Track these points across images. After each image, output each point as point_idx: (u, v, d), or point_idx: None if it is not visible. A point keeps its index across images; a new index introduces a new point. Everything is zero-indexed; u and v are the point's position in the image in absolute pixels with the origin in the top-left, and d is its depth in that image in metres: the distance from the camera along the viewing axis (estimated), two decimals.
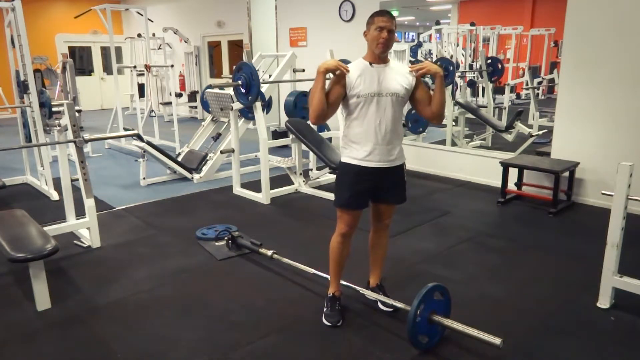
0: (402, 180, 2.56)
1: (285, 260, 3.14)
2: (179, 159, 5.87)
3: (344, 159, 2.49)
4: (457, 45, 6.95)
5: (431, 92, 2.47)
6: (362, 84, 2.35)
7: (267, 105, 5.95)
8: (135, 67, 8.39)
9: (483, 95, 6.86)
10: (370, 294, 2.70)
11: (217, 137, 6.17)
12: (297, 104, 5.71)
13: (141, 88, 9.36)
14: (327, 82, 2.39)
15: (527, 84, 6.50)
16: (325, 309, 2.61)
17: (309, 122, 5.20)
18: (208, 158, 5.78)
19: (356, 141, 2.43)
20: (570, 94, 4.53)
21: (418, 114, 2.55)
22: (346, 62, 2.61)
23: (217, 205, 4.73)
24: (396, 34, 2.43)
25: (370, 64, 2.39)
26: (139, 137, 5.17)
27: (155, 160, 5.52)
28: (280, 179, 5.38)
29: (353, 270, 2.87)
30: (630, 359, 2.31)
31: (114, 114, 7.63)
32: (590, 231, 3.82)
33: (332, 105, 2.38)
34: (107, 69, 12.61)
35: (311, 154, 5.28)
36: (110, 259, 3.48)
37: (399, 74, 2.41)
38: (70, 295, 2.93)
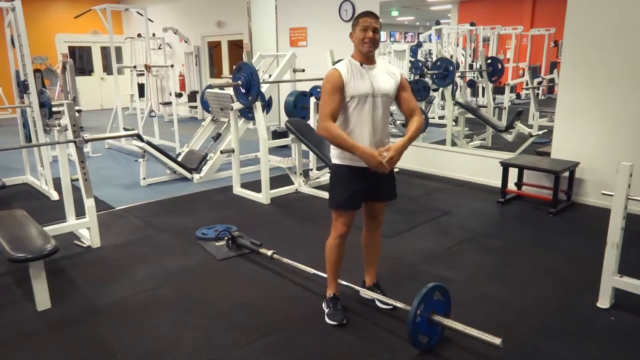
0: (393, 177, 2.61)
1: (285, 260, 3.14)
2: (179, 159, 5.87)
3: (337, 161, 2.50)
4: (457, 45, 6.95)
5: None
6: (355, 84, 2.38)
7: (267, 105, 5.95)
8: (135, 67, 8.39)
9: (483, 95, 6.86)
10: (370, 294, 2.70)
11: (217, 137, 6.17)
12: (297, 104, 5.71)
13: (141, 88, 9.36)
14: (335, 97, 2.36)
15: (527, 84, 6.49)
16: (327, 310, 2.61)
17: (308, 121, 5.23)
18: (208, 158, 5.78)
19: None
20: (570, 94, 4.53)
21: (400, 111, 2.57)
22: None
23: (217, 205, 4.73)
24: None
25: (361, 64, 2.42)
26: (139, 137, 5.17)
27: (155, 160, 5.52)
28: (280, 179, 5.38)
29: (351, 269, 2.87)
30: (630, 359, 2.31)
31: (114, 114, 7.63)
32: (590, 231, 3.82)
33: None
34: (107, 69, 12.61)
35: (311, 154, 5.28)
36: (110, 259, 3.48)
37: (387, 75, 2.46)
38: (70, 295, 2.93)
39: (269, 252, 3.23)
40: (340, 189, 2.50)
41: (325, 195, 4.75)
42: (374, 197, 2.58)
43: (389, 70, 2.49)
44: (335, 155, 2.50)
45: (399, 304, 2.49)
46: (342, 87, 2.36)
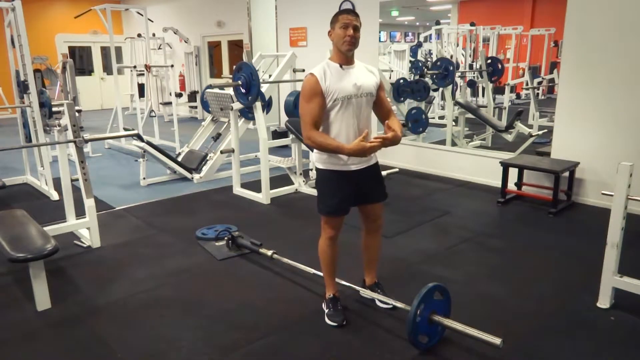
0: (381, 177, 2.60)
1: (285, 260, 3.14)
2: (179, 159, 5.87)
3: (323, 166, 2.46)
4: (457, 45, 6.95)
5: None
6: (336, 87, 2.32)
7: (267, 105, 5.94)
8: (135, 67, 8.39)
9: (483, 95, 6.86)
10: (370, 294, 2.70)
11: (217, 137, 6.17)
12: (297, 104, 5.70)
13: (141, 88, 9.37)
14: (314, 104, 2.33)
15: (527, 84, 6.50)
16: (327, 310, 2.61)
17: None
18: (208, 158, 5.78)
19: None
20: (570, 94, 4.53)
21: (375, 110, 2.53)
22: None
23: (217, 205, 4.73)
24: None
25: (341, 66, 2.37)
26: (139, 137, 5.17)
27: (155, 160, 5.52)
28: (280, 179, 5.38)
29: (351, 269, 2.87)
30: (630, 359, 2.31)
31: (114, 114, 7.63)
32: (590, 231, 3.82)
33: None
34: (107, 69, 12.62)
35: (311, 154, 5.27)
36: (110, 259, 3.48)
37: (368, 72, 2.43)
38: (70, 295, 2.93)
39: (269, 252, 3.23)
40: (329, 195, 2.47)
41: None
42: (366, 200, 2.55)
43: (368, 69, 2.46)
44: (320, 160, 2.46)
45: (399, 304, 2.49)
46: (320, 91, 2.31)
